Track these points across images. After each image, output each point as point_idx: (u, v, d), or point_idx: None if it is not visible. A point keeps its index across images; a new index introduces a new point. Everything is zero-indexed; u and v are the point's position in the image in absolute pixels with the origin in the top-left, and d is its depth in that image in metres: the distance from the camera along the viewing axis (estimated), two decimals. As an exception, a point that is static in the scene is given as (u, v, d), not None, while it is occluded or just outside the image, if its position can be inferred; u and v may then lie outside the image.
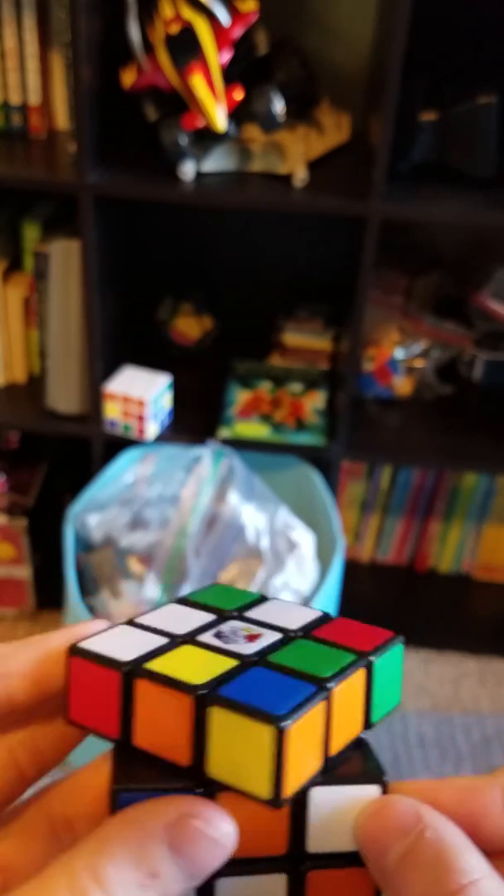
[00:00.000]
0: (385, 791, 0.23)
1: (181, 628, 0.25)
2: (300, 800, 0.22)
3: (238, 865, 0.22)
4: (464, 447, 1.27)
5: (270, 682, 0.22)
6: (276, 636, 0.25)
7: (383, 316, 1.34)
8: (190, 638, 0.25)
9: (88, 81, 1.00)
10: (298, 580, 1.13)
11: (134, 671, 0.23)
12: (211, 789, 0.22)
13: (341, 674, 0.23)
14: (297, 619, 0.26)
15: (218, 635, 0.25)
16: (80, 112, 1.01)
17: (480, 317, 1.35)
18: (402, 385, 1.33)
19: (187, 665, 0.23)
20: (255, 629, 0.25)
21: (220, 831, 0.21)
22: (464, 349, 1.36)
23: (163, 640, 0.24)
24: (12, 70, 1.15)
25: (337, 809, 0.22)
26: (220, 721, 0.21)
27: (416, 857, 0.21)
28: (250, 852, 0.22)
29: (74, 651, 0.23)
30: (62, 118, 1.21)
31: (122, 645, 0.24)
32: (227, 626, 0.25)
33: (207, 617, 0.26)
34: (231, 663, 0.23)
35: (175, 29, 0.97)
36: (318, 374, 1.36)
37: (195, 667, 0.23)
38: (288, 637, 0.25)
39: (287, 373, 1.36)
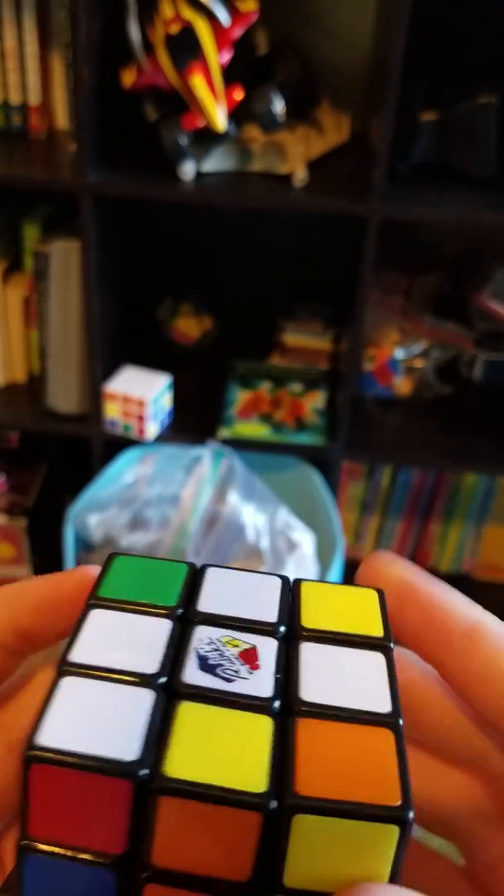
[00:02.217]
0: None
1: (144, 660, 0.18)
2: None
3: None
4: (464, 447, 1.27)
5: None
6: (271, 645, 0.19)
7: (383, 316, 1.34)
8: (178, 685, 0.17)
9: (88, 81, 1.00)
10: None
11: (157, 787, 0.15)
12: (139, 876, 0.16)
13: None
14: (262, 598, 0.20)
15: (205, 665, 0.18)
16: (79, 112, 1.01)
17: (480, 317, 1.35)
18: (402, 385, 1.33)
19: (214, 749, 0.16)
20: (240, 637, 0.19)
21: None
22: (464, 349, 1.36)
23: (145, 700, 0.17)
24: (12, 70, 1.15)
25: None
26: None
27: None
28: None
29: (35, 758, 0.16)
30: (62, 118, 1.21)
31: (95, 723, 0.16)
32: (202, 642, 0.18)
33: (159, 627, 0.19)
34: (264, 727, 0.17)
35: (175, 29, 0.97)
36: (319, 374, 1.36)
37: (228, 750, 0.16)
38: (284, 641, 0.19)
39: (287, 373, 1.36)
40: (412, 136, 1.05)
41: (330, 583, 0.21)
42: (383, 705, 0.17)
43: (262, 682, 0.18)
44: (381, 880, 0.16)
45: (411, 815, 0.15)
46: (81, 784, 0.16)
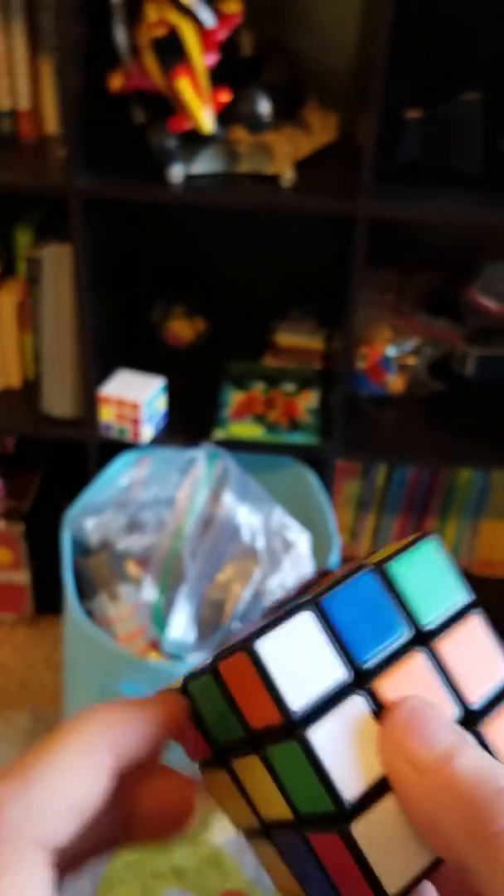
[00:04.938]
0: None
1: None
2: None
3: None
4: (458, 443, 1.27)
5: None
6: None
7: (375, 314, 1.34)
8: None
9: (76, 86, 1.00)
10: (295, 580, 1.13)
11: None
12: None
13: None
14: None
15: None
16: (68, 116, 1.02)
17: (472, 313, 1.35)
18: (395, 383, 1.34)
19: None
20: None
21: None
22: (456, 345, 1.37)
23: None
24: (1, 75, 1.15)
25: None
26: None
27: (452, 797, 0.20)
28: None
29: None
30: (52, 122, 1.21)
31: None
32: None
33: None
34: None
35: (160, 32, 0.97)
36: (312, 374, 1.36)
37: None
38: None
39: (280, 373, 1.36)
40: (399, 134, 1.06)
41: None
42: None
43: None
44: None
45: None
46: None
